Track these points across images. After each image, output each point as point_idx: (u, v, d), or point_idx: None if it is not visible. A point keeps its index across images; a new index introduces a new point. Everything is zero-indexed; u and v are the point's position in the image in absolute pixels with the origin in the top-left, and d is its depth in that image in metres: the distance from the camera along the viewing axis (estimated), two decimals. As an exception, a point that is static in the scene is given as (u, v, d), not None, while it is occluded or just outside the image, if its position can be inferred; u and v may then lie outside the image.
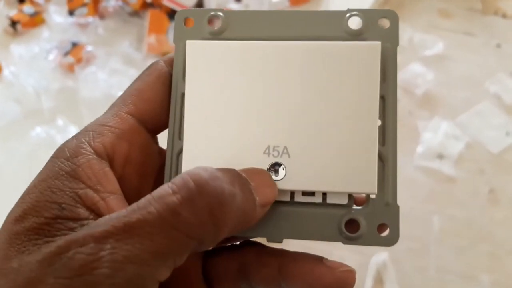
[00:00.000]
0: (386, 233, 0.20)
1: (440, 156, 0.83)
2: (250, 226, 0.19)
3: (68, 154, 0.18)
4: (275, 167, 0.21)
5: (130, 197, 0.19)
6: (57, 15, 0.79)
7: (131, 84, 0.22)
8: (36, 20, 0.79)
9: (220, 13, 0.22)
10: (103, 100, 0.67)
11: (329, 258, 0.21)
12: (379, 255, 0.72)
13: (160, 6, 0.78)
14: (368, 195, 0.21)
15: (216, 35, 0.22)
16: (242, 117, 0.21)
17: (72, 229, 0.17)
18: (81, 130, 0.20)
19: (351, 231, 0.20)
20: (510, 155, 0.83)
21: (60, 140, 0.64)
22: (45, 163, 0.19)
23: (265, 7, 0.75)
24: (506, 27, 0.99)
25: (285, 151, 0.21)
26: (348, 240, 0.20)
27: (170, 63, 0.22)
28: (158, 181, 0.22)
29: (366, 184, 0.20)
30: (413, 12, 1.00)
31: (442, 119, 0.86)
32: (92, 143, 0.19)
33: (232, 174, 0.18)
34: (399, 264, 0.72)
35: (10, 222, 0.17)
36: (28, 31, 0.79)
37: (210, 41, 0.22)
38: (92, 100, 0.68)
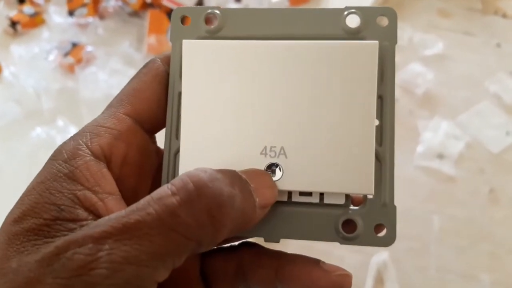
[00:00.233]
0: (383, 233, 0.20)
1: (440, 156, 0.83)
2: (249, 227, 0.19)
3: (66, 156, 0.19)
4: (272, 167, 0.21)
5: (128, 197, 0.19)
6: (57, 16, 0.79)
7: (128, 83, 0.22)
8: (36, 20, 0.79)
9: (217, 11, 0.22)
10: (103, 101, 0.67)
11: (329, 257, 0.21)
12: (380, 255, 0.72)
13: (160, 6, 0.78)
14: (365, 195, 0.21)
15: (213, 34, 0.22)
16: (239, 117, 0.21)
17: (71, 230, 0.17)
18: (78, 131, 0.20)
19: (348, 231, 0.20)
20: (510, 155, 0.83)
21: (60, 140, 0.64)
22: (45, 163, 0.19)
23: (264, 7, 0.75)
24: (506, 27, 0.99)
25: (282, 151, 0.21)
26: (345, 240, 0.20)
27: (167, 61, 0.22)
28: (156, 181, 0.22)
29: (363, 184, 0.20)
30: (412, 11, 1.00)
31: (442, 119, 0.86)
32: (89, 144, 0.19)
33: (231, 175, 0.18)
34: (400, 263, 0.72)
35: (9, 223, 0.17)
36: (28, 32, 0.79)
37: (207, 41, 0.22)
38: (92, 101, 0.68)
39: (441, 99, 0.89)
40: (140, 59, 0.73)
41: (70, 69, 0.72)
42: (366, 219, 0.20)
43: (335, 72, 0.21)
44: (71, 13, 0.79)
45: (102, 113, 0.21)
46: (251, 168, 0.20)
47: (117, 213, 0.16)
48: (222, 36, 0.22)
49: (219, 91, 0.21)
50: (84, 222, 0.17)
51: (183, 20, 0.23)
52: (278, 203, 0.21)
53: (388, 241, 0.20)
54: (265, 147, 0.21)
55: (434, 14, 1.01)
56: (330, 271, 0.20)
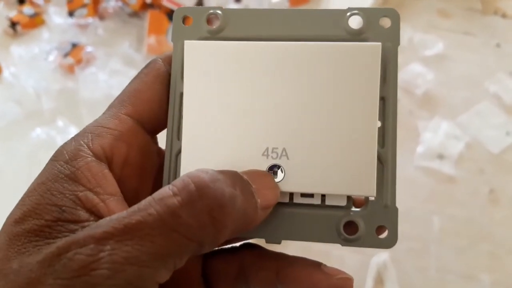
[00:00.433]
0: (384, 235, 0.20)
1: (440, 156, 0.83)
2: (251, 228, 0.19)
3: (67, 157, 0.18)
4: (273, 169, 0.21)
5: (130, 198, 0.19)
6: (57, 16, 0.79)
7: (129, 84, 0.22)
8: (36, 21, 0.79)
9: (219, 11, 0.22)
10: (103, 101, 0.67)
11: (329, 257, 0.21)
12: (380, 255, 0.72)
13: (160, 7, 0.78)
14: (367, 197, 0.21)
15: (215, 34, 0.22)
16: (240, 118, 0.21)
17: (73, 231, 0.17)
18: (80, 132, 0.20)
19: (349, 233, 0.20)
20: (510, 155, 0.83)
21: (60, 141, 0.64)
22: (45, 164, 0.19)
23: (264, 7, 0.75)
24: (506, 27, 0.99)
25: (284, 153, 0.21)
26: (346, 242, 0.20)
27: (168, 62, 0.22)
28: (157, 181, 0.22)
29: (365, 186, 0.20)
30: (412, 12, 1.00)
31: (442, 119, 0.86)
32: (90, 145, 0.19)
33: (233, 176, 0.18)
34: (400, 264, 0.72)
35: (10, 224, 0.17)
36: (28, 32, 0.79)
37: (208, 41, 0.22)
38: (92, 101, 0.68)
39: (441, 100, 0.89)
40: (140, 59, 0.73)
41: (70, 70, 0.72)
42: (367, 221, 0.20)
43: (338, 74, 0.21)
44: (71, 13, 0.79)
45: (103, 113, 0.21)
46: (253, 169, 0.20)
47: (119, 214, 0.16)
48: (224, 36, 0.22)
49: (221, 92, 0.21)
50: (86, 223, 0.17)
51: (184, 20, 0.22)
52: (280, 204, 0.21)
53: (389, 243, 0.20)
54: (267, 149, 0.21)
55: (434, 15, 1.01)
56: (331, 274, 0.20)
